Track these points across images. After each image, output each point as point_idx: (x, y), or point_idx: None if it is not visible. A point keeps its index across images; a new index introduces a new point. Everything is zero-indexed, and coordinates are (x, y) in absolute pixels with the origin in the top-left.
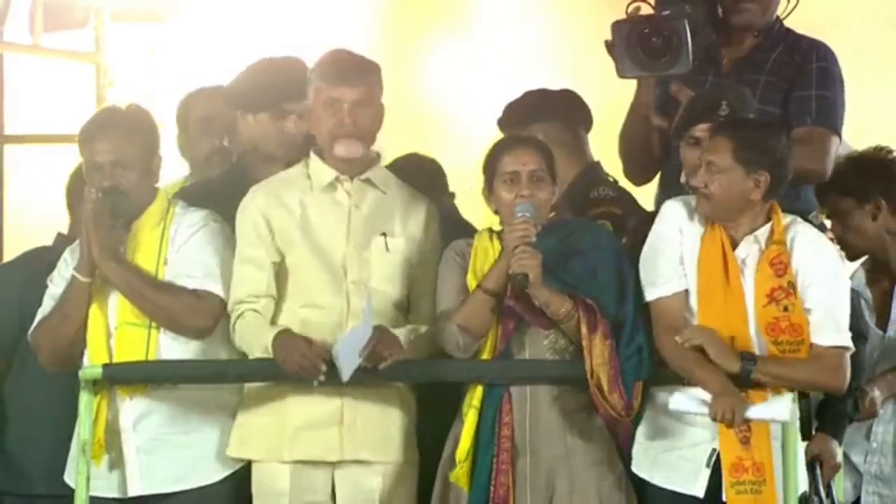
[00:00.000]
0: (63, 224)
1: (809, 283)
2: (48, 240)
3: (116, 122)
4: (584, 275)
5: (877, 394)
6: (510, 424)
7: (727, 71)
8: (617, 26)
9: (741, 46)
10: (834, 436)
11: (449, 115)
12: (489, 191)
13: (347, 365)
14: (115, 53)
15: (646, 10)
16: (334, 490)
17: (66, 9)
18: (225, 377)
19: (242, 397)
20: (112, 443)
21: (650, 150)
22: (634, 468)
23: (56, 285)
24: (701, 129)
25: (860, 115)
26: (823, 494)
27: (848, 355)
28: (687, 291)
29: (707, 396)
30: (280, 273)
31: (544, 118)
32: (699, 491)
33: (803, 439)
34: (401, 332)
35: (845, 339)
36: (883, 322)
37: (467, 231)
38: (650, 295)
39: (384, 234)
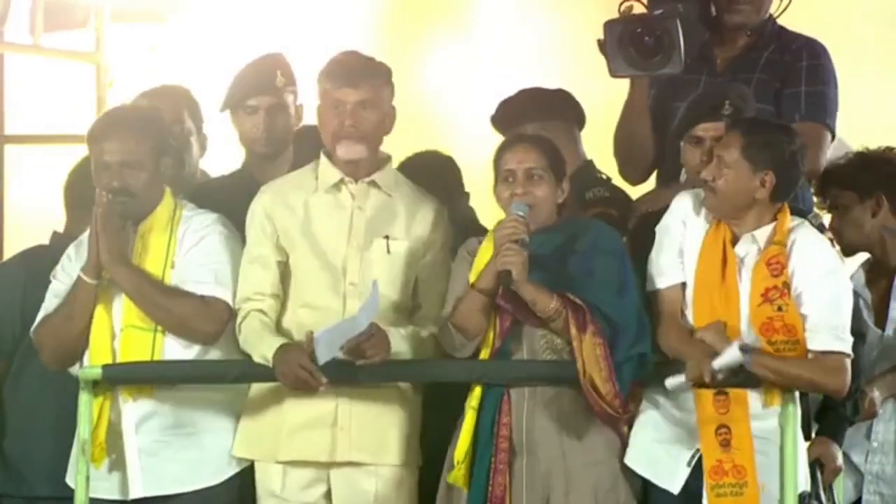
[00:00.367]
0: (62, 223)
1: (806, 288)
2: (48, 240)
3: (126, 122)
4: (580, 274)
5: (876, 394)
6: (508, 425)
7: (721, 70)
8: (609, 25)
9: (734, 46)
10: (834, 439)
11: (449, 115)
12: (495, 189)
13: (325, 353)
14: (115, 53)
15: (638, 9)
16: (331, 492)
17: (67, 9)
18: (225, 378)
19: (246, 399)
20: (113, 445)
21: (645, 149)
22: (626, 459)
23: (60, 282)
24: (703, 129)
25: (860, 115)
26: (824, 498)
27: (848, 361)
28: (685, 284)
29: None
30: (285, 273)
31: (539, 117)
32: (675, 488)
33: (804, 439)
34: (399, 333)
35: (844, 345)
36: (881, 321)
37: (482, 233)
38: (650, 286)
39: (386, 237)
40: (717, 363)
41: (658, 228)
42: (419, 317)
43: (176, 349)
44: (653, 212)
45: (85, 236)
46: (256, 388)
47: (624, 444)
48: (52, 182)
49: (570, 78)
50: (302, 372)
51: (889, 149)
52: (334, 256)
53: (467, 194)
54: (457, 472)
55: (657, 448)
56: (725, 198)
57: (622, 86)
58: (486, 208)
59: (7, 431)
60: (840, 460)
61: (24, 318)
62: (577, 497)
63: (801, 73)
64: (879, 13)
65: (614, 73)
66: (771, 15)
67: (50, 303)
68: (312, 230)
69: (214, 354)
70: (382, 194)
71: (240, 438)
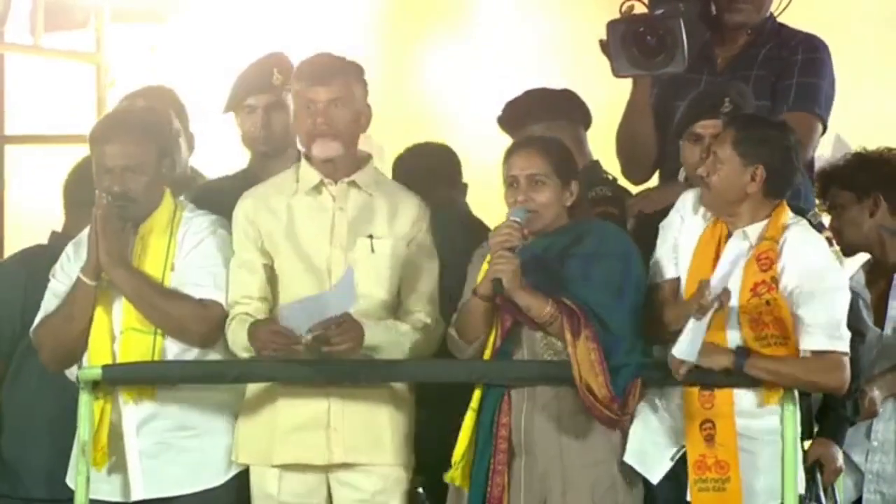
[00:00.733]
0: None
1: (797, 287)
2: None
3: (128, 125)
4: (575, 277)
5: (876, 393)
6: (507, 425)
7: (721, 69)
8: (612, 26)
9: (735, 45)
10: (834, 439)
11: (449, 115)
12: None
13: (292, 326)
14: (115, 53)
15: (639, 9)
16: (331, 494)
17: (67, 9)
18: (223, 378)
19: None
20: (114, 447)
21: (648, 148)
22: (624, 456)
23: (59, 282)
24: (702, 126)
25: (860, 115)
26: (824, 499)
27: (846, 358)
28: (679, 280)
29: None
30: (272, 276)
31: (544, 117)
32: (655, 478)
33: (804, 438)
34: (376, 325)
35: (839, 343)
36: (880, 320)
37: (477, 229)
38: (650, 280)
39: (370, 237)
40: (676, 350)
41: (661, 225)
42: (401, 311)
43: (176, 352)
44: (654, 211)
45: (83, 235)
46: (250, 391)
47: (626, 445)
48: (52, 182)
49: (571, 78)
50: (275, 335)
51: (887, 149)
52: (318, 258)
53: (465, 185)
54: (454, 471)
55: (647, 441)
56: (718, 192)
57: (623, 86)
58: (486, 207)
59: (4, 432)
60: (840, 461)
61: (24, 319)
62: (575, 497)
63: (796, 65)
64: (879, 13)
65: (618, 73)
66: (771, 13)
67: (49, 303)
68: (295, 233)
69: (214, 357)
70: (363, 194)
71: (235, 443)
